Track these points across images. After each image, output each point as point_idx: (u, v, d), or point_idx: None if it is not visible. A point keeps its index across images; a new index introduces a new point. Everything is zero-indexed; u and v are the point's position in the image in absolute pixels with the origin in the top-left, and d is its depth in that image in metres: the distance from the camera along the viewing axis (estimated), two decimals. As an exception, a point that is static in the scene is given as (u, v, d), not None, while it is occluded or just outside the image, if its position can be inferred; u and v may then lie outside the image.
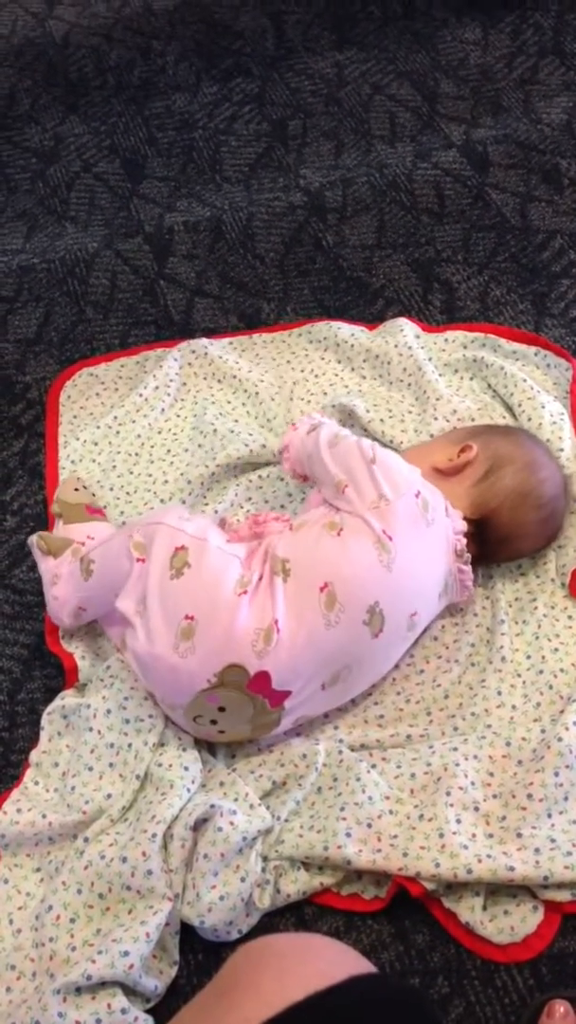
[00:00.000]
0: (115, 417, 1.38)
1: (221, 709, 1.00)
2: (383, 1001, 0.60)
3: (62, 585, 1.13)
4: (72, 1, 2.14)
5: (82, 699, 1.09)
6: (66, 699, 1.10)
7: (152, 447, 1.36)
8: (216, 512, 1.26)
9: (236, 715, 1.01)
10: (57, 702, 1.11)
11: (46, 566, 1.17)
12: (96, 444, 1.36)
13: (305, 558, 1.03)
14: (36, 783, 1.07)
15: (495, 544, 1.14)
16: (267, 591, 1.01)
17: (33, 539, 1.20)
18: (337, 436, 1.13)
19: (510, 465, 1.14)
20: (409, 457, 1.13)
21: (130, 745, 1.05)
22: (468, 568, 1.11)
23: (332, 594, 1.01)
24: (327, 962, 0.61)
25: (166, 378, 1.42)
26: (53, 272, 1.60)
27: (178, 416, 1.40)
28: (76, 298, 1.56)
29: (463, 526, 1.10)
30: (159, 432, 1.38)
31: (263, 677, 0.99)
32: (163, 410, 1.40)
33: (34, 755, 1.08)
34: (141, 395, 1.40)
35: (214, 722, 1.02)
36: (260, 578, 1.02)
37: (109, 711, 1.06)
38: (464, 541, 1.09)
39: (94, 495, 1.29)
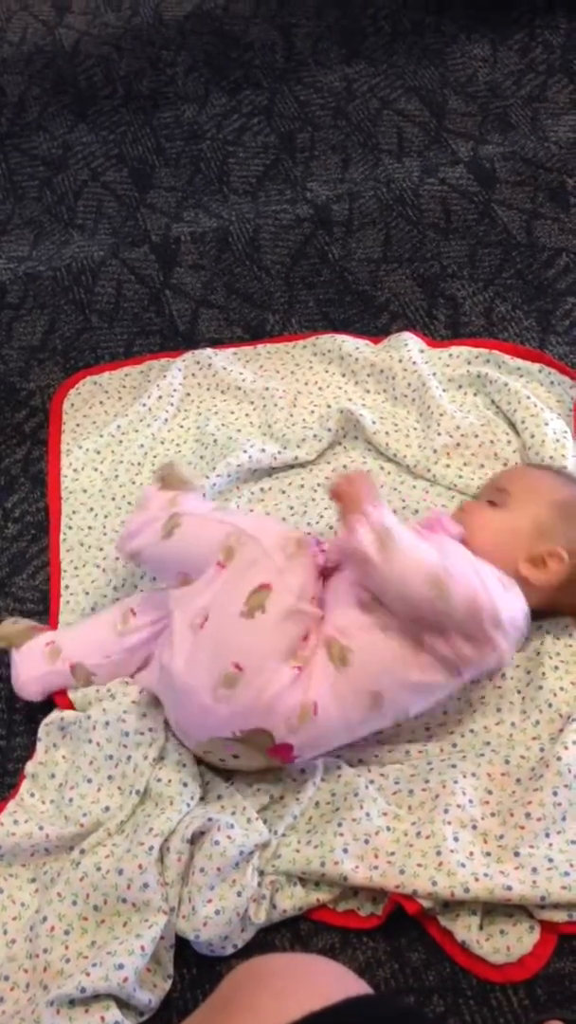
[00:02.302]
0: (118, 426, 1.38)
1: (235, 756, 1.01)
2: (381, 1021, 0.60)
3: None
4: (82, 10, 2.15)
5: (80, 713, 1.09)
6: (64, 712, 1.10)
7: (155, 457, 1.36)
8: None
9: (246, 763, 1.01)
10: (55, 713, 1.10)
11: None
12: (99, 453, 1.36)
13: (369, 660, 0.97)
14: (32, 795, 1.06)
15: (547, 613, 1.14)
16: (317, 670, 0.97)
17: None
18: (444, 582, 0.95)
19: None
20: (493, 536, 1.06)
21: (129, 758, 1.05)
22: None
23: (380, 701, 0.99)
24: (324, 983, 0.61)
25: (170, 388, 1.42)
26: (59, 280, 1.60)
27: (181, 427, 1.40)
28: (81, 306, 1.56)
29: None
30: (162, 442, 1.38)
31: (287, 747, 0.99)
32: (166, 420, 1.40)
33: (30, 766, 1.08)
34: (144, 405, 1.40)
35: (222, 760, 1.02)
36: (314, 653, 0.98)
37: (108, 723, 1.06)
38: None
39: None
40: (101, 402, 1.44)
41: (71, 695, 1.12)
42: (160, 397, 1.41)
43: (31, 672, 1.12)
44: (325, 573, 1.04)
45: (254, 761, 1.01)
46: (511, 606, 0.99)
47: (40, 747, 1.09)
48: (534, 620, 1.07)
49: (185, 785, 1.02)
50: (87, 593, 1.23)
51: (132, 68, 2.00)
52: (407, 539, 0.97)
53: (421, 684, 0.99)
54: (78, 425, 1.41)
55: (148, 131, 1.87)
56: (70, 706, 1.12)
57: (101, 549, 1.26)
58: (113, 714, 1.07)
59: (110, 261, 1.63)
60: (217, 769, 1.06)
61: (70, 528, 1.29)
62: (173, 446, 1.38)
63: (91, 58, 2.03)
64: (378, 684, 0.98)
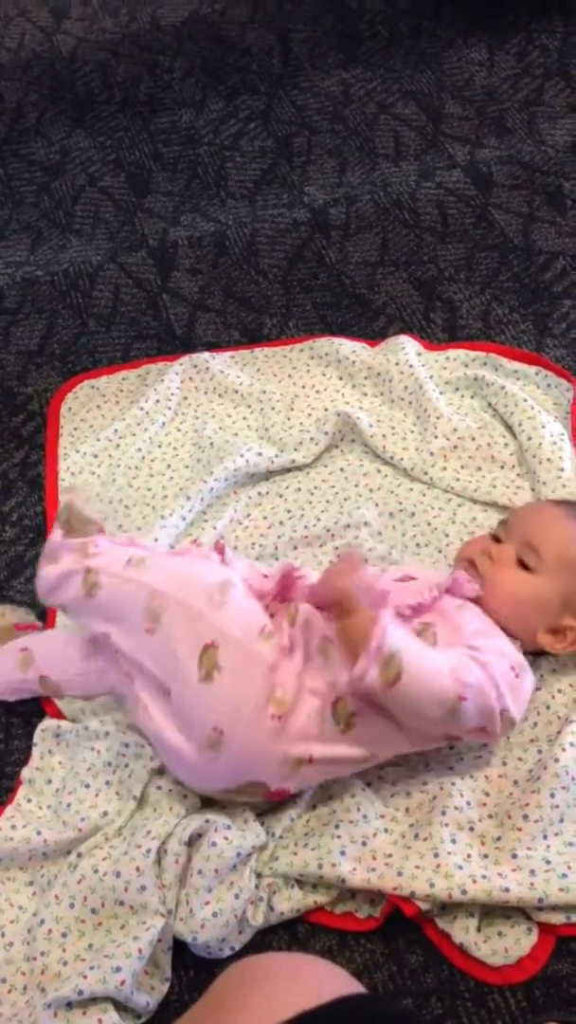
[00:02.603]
0: (116, 430, 1.39)
1: (233, 798, 1.01)
2: (373, 1020, 0.60)
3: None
4: (80, 16, 2.15)
5: (78, 724, 1.09)
6: (61, 721, 1.10)
7: (152, 461, 1.36)
8: (215, 529, 1.26)
9: (241, 800, 1.01)
10: (49, 721, 1.11)
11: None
12: (96, 456, 1.37)
13: (371, 732, 0.96)
14: (29, 800, 1.06)
15: None
16: (313, 723, 0.95)
17: None
18: (456, 706, 0.92)
19: None
20: (508, 603, 1.04)
21: (127, 765, 1.05)
22: None
23: (376, 759, 1.00)
24: (317, 982, 0.61)
25: (167, 392, 1.42)
26: (56, 284, 1.60)
27: (178, 430, 1.40)
28: (79, 311, 1.57)
29: None
30: (159, 446, 1.38)
31: (282, 791, 0.99)
32: (163, 424, 1.40)
33: (26, 772, 1.08)
34: (142, 408, 1.40)
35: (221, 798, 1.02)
36: (297, 692, 0.95)
37: (108, 733, 1.06)
38: None
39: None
40: (99, 406, 1.44)
41: (58, 703, 1.13)
42: (157, 401, 1.41)
43: (2, 676, 1.12)
44: (321, 607, 1.00)
45: (250, 800, 1.01)
46: (522, 700, 0.98)
47: (36, 752, 1.09)
48: None
49: (185, 796, 1.02)
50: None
51: (129, 74, 2.01)
52: (416, 661, 0.90)
53: (417, 751, 1.02)
54: (75, 429, 1.41)
55: (145, 136, 1.87)
56: (58, 714, 1.12)
57: None
58: (112, 725, 1.07)
59: (107, 266, 1.63)
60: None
61: None
62: (170, 449, 1.38)
63: (88, 64, 2.04)
64: (375, 749, 0.99)
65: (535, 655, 1.10)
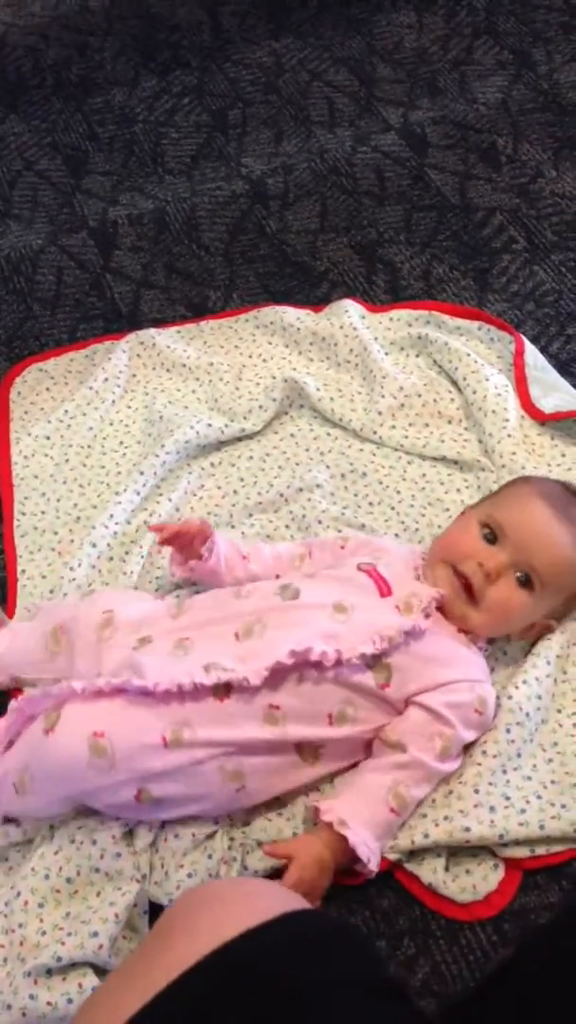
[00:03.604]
0: (66, 411, 1.39)
1: None
2: (315, 933, 0.61)
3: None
4: (7, 2, 2.14)
5: None
6: None
7: (104, 439, 1.37)
8: (171, 501, 1.27)
9: None
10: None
11: None
12: (48, 438, 1.37)
13: (337, 753, 0.99)
14: None
15: None
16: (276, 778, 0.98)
17: None
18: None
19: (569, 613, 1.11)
20: (501, 619, 1.05)
21: None
22: None
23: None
24: (261, 901, 0.63)
25: (115, 370, 1.42)
26: (-2, 270, 1.60)
27: (128, 407, 1.41)
28: (23, 295, 1.56)
29: None
30: (111, 424, 1.39)
31: None
32: (113, 402, 1.41)
33: None
34: (91, 388, 1.41)
35: None
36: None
37: None
38: None
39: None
40: (48, 388, 1.44)
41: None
42: (106, 380, 1.42)
43: None
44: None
45: None
46: (483, 727, 1.01)
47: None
48: None
49: None
50: (44, 577, 1.23)
51: (60, 56, 2.00)
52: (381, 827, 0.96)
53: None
54: (26, 413, 1.41)
55: (80, 117, 1.86)
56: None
57: (56, 532, 1.26)
58: None
59: (49, 249, 1.63)
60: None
61: (23, 514, 1.29)
62: (122, 427, 1.38)
63: (18, 49, 2.03)
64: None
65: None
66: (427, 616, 1.00)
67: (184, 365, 1.43)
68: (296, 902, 0.65)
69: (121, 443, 1.36)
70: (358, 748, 1.00)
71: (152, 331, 1.46)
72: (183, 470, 1.32)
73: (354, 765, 1.01)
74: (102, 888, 0.96)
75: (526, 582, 1.02)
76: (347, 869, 0.96)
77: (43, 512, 1.29)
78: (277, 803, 1.01)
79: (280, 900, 0.64)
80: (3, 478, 1.33)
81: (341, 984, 0.59)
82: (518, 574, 1.02)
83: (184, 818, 0.98)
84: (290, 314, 1.46)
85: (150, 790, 0.94)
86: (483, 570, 1.01)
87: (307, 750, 0.98)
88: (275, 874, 0.98)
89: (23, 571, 1.24)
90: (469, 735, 0.99)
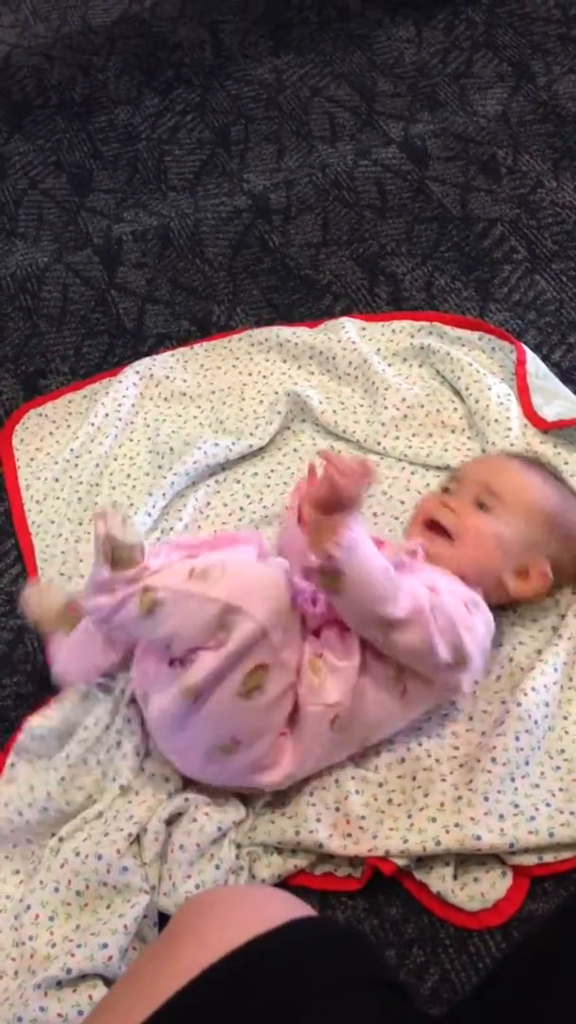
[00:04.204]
0: (71, 450, 1.37)
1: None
2: (321, 940, 0.62)
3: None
4: (11, 23, 2.16)
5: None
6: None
7: (112, 474, 1.35)
8: (181, 520, 1.26)
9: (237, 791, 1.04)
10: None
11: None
12: (57, 480, 1.35)
13: (364, 722, 0.99)
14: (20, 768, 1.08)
15: None
16: (309, 732, 0.98)
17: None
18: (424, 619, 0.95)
19: (565, 569, 1.11)
20: (480, 543, 1.07)
21: (119, 744, 1.05)
22: None
23: (366, 743, 1.03)
24: (268, 908, 0.63)
25: (115, 404, 1.41)
26: (4, 288, 1.62)
27: (130, 440, 1.39)
28: (29, 312, 1.58)
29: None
30: (115, 459, 1.37)
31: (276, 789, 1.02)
32: (116, 436, 1.39)
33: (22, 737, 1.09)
34: (93, 424, 1.39)
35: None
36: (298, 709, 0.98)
37: (110, 709, 1.07)
38: None
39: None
40: (51, 432, 1.42)
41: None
42: (107, 415, 1.40)
43: (88, 659, 1.07)
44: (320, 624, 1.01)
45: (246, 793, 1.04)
46: (478, 636, 0.99)
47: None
48: None
49: (167, 780, 1.04)
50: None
51: (64, 76, 2.02)
52: (363, 561, 0.92)
53: (408, 718, 1.04)
54: (32, 460, 1.39)
55: (84, 136, 1.88)
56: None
57: (82, 576, 1.22)
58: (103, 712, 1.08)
59: (54, 266, 1.64)
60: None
61: (45, 561, 1.27)
62: (127, 460, 1.36)
63: (23, 69, 2.05)
64: (368, 735, 1.02)
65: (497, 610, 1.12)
66: (413, 555, 1.04)
67: (184, 393, 1.42)
68: (301, 909, 0.66)
69: (128, 476, 1.34)
70: (382, 720, 1.01)
71: (147, 361, 1.46)
72: (188, 490, 1.31)
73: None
74: (112, 901, 0.97)
75: (486, 503, 1.09)
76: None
77: (63, 552, 1.26)
78: (281, 804, 1.02)
79: (286, 907, 0.64)
80: (20, 527, 1.32)
81: (347, 990, 0.59)
82: (480, 502, 1.09)
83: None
84: (285, 331, 1.46)
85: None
86: (447, 507, 1.09)
87: (338, 721, 0.98)
88: (282, 883, 0.99)
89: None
90: (454, 619, 0.96)
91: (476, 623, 0.99)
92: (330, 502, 0.96)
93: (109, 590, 0.96)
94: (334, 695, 0.97)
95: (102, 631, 1.04)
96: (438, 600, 0.96)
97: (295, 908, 0.66)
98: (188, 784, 1.04)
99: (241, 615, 0.93)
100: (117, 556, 0.96)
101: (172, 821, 1.00)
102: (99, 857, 0.97)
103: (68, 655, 1.09)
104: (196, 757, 0.99)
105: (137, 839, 0.99)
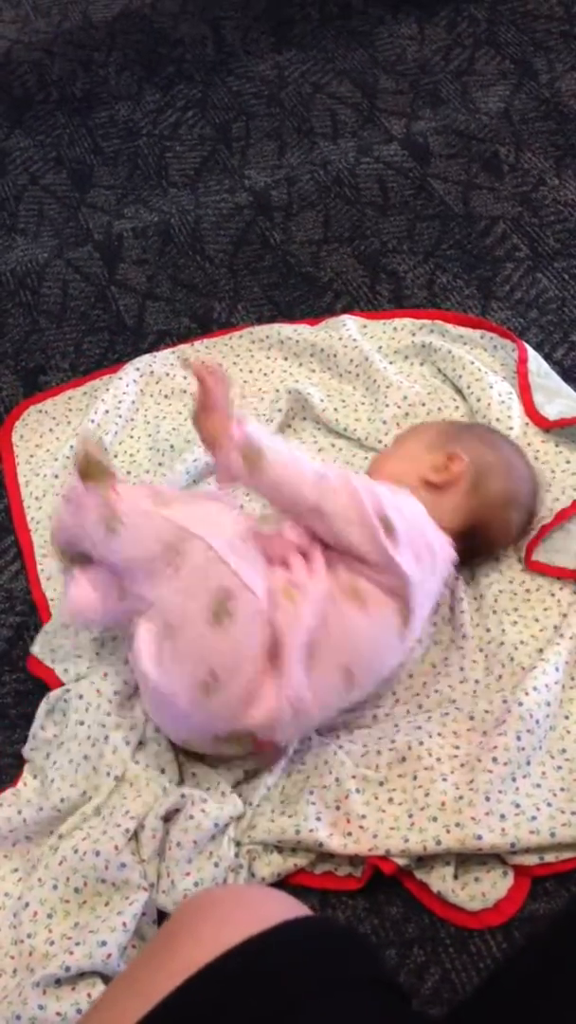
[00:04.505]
0: (71, 446, 1.36)
1: (217, 748, 1.02)
2: (318, 940, 0.62)
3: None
4: (12, 19, 2.16)
5: (65, 690, 1.10)
6: (51, 692, 1.11)
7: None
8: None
9: (229, 752, 1.03)
10: (52, 692, 1.11)
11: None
12: (57, 477, 1.34)
13: (328, 638, 0.98)
14: (32, 778, 1.07)
15: (483, 551, 1.16)
16: (292, 667, 0.97)
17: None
18: (322, 483, 0.99)
19: (493, 472, 1.12)
20: (391, 468, 1.12)
21: (107, 738, 1.05)
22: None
23: (352, 677, 1.00)
24: (264, 908, 0.63)
25: (115, 401, 1.40)
26: (4, 284, 1.61)
27: (131, 437, 1.39)
28: (29, 309, 1.57)
29: (453, 554, 1.06)
30: (115, 456, 1.36)
31: (270, 742, 1.01)
32: (116, 433, 1.38)
33: (26, 750, 1.09)
34: (93, 421, 1.38)
35: (204, 750, 1.03)
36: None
37: (96, 705, 1.07)
38: (453, 572, 1.09)
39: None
40: (51, 430, 1.41)
41: (59, 674, 1.13)
42: (107, 412, 1.39)
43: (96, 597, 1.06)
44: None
45: (238, 751, 1.02)
46: (406, 512, 1.01)
47: (33, 728, 1.10)
48: (475, 562, 1.17)
49: (163, 771, 1.03)
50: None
51: (65, 71, 2.01)
52: (274, 446, 1.00)
53: (376, 638, 1.00)
54: (32, 456, 1.39)
55: (84, 132, 1.88)
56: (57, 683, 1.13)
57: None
58: (96, 698, 1.08)
59: (54, 262, 1.64)
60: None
61: (45, 556, 1.27)
62: (127, 457, 1.36)
63: (24, 64, 2.04)
64: (343, 657, 0.99)
65: (499, 612, 1.11)
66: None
67: (184, 391, 1.42)
68: (299, 909, 0.66)
69: (129, 473, 1.34)
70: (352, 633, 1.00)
71: (148, 357, 1.45)
72: (189, 487, 1.31)
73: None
74: (110, 898, 0.96)
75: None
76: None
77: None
78: (281, 802, 1.02)
79: (284, 907, 0.64)
80: (20, 523, 1.31)
81: (344, 989, 0.59)
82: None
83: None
84: (286, 329, 1.46)
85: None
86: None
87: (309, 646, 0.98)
88: (282, 881, 0.99)
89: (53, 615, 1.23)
90: (376, 491, 1.00)
91: (402, 502, 1.02)
92: (207, 403, 1.01)
93: (78, 503, 1.03)
94: (311, 619, 0.97)
95: (60, 541, 1.08)
96: (360, 477, 1.02)
97: (293, 908, 0.65)
98: (184, 776, 1.04)
99: (193, 537, 0.97)
100: (90, 471, 1.04)
101: (170, 818, 1.00)
102: (97, 854, 0.97)
103: (84, 591, 1.06)
104: (182, 706, 0.96)
105: (135, 836, 0.99)
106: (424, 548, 1.01)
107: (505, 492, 1.13)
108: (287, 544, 1.02)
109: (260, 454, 0.98)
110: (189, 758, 1.07)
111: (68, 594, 1.06)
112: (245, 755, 1.04)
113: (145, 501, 1.02)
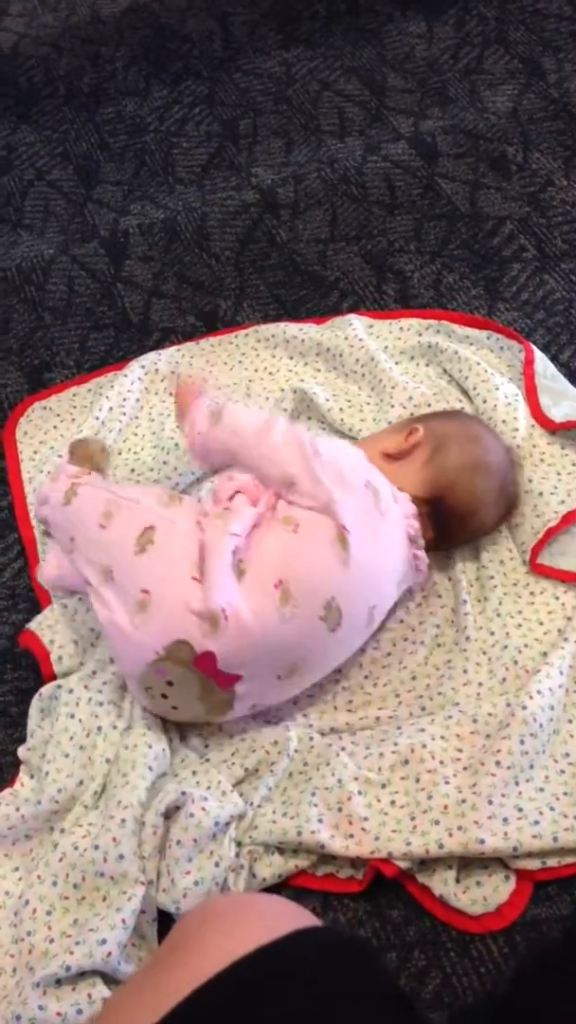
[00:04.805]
0: None
1: (169, 683, 1.01)
2: (324, 951, 0.61)
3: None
4: (20, 12, 2.15)
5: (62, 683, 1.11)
6: (44, 687, 1.11)
7: (115, 468, 1.34)
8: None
9: (184, 690, 1.02)
10: (44, 688, 1.11)
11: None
12: None
13: (261, 556, 1.03)
14: (30, 777, 1.07)
15: (456, 522, 1.16)
16: (219, 579, 1.00)
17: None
18: (267, 425, 1.11)
19: (454, 441, 1.16)
20: (359, 447, 1.16)
21: (99, 728, 1.06)
22: (422, 553, 1.12)
23: (287, 591, 1.01)
24: (273, 918, 0.63)
25: (120, 399, 1.40)
26: (10, 280, 1.61)
27: (135, 435, 1.38)
28: (34, 305, 1.57)
29: (413, 509, 1.11)
30: (119, 453, 1.36)
31: (208, 656, 0.99)
32: (120, 431, 1.38)
33: (22, 751, 1.09)
34: (97, 418, 1.38)
35: (165, 696, 1.03)
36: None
37: (87, 699, 1.07)
38: (416, 525, 1.11)
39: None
40: (55, 427, 1.41)
41: (55, 666, 1.14)
42: (112, 409, 1.39)
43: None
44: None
45: (191, 687, 1.01)
46: (331, 444, 1.13)
47: (29, 726, 1.10)
48: (451, 546, 1.20)
49: (150, 747, 1.03)
50: (76, 612, 1.21)
51: (72, 66, 2.01)
52: (231, 406, 1.15)
53: (310, 556, 1.03)
54: (35, 453, 1.38)
55: (91, 127, 1.87)
56: (50, 668, 1.14)
57: None
58: (85, 692, 1.08)
59: (60, 258, 1.63)
60: (192, 746, 1.08)
61: (47, 553, 1.25)
62: (131, 455, 1.36)
63: (31, 59, 2.04)
64: (276, 573, 1.01)
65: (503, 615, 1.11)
66: None
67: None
68: (307, 919, 0.65)
69: (133, 471, 1.34)
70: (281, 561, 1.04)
71: (153, 355, 1.45)
72: (193, 486, 1.31)
73: None
74: (108, 892, 0.96)
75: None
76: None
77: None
78: (283, 804, 1.02)
79: (292, 917, 0.64)
80: (23, 520, 1.31)
81: (350, 1001, 0.58)
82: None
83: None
84: (291, 327, 1.45)
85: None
86: None
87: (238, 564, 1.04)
88: (283, 883, 0.99)
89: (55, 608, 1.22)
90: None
91: (321, 446, 1.10)
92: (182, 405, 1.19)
93: (56, 477, 1.19)
94: (236, 527, 1.04)
95: (41, 514, 1.20)
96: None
97: (301, 918, 0.65)
98: (184, 774, 1.04)
99: (124, 501, 1.09)
100: (78, 452, 1.24)
101: (170, 815, 1.00)
102: (95, 847, 0.97)
103: (58, 557, 1.17)
104: (127, 630, 1.01)
105: (136, 828, 0.98)
106: (347, 469, 1.09)
107: (469, 458, 1.16)
108: (236, 484, 1.10)
109: (223, 407, 1.14)
110: (189, 753, 1.07)
111: (46, 559, 1.19)
112: (202, 703, 1.03)
113: (103, 482, 1.17)
